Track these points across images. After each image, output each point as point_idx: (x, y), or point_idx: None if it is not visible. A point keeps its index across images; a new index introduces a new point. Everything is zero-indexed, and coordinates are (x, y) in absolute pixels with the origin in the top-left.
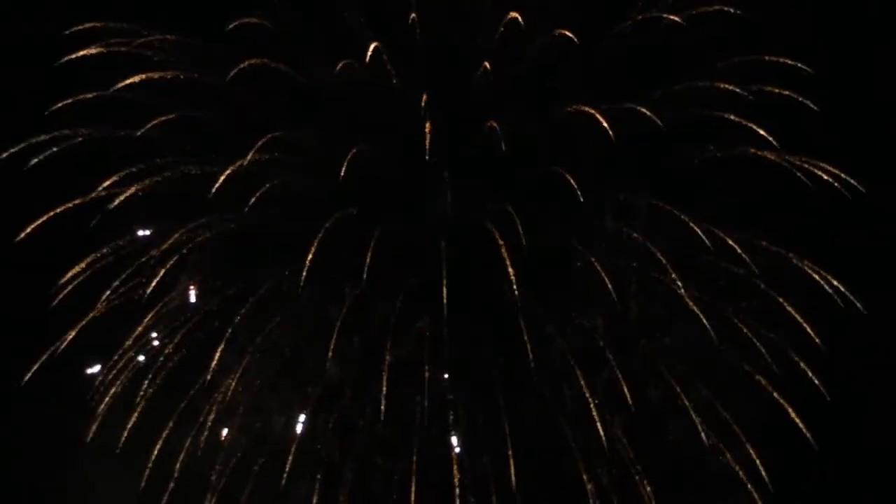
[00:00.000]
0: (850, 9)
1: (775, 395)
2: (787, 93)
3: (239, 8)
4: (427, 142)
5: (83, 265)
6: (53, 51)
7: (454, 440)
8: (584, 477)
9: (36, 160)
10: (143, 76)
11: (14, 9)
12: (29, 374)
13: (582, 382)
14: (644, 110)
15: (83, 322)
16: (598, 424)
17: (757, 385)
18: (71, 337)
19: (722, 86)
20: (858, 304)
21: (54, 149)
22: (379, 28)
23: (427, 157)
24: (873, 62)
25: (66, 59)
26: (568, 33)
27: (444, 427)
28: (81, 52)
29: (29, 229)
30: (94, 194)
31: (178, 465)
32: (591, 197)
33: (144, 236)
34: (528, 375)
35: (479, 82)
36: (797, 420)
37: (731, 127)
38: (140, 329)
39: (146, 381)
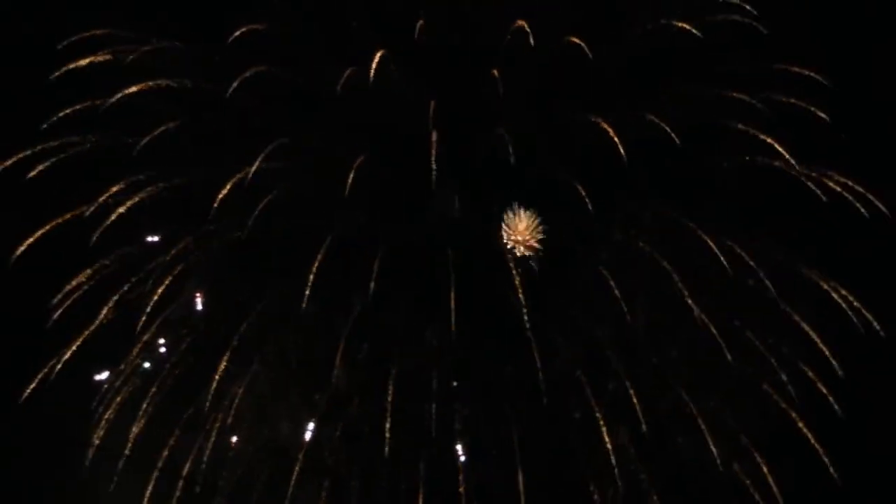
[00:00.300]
0: (854, 13)
1: (783, 405)
2: (792, 101)
3: (244, 12)
4: (433, 150)
5: (90, 272)
6: (59, 59)
7: (460, 448)
8: (591, 486)
9: (42, 167)
10: (150, 83)
11: (18, 12)
12: (37, 379)
13: (589, 392)
14: (653, 118)
15: (90, 329)
16: (605, 434)
17: (765, 395)
18: (78, 343)
19: (730, 94)
20: (870, 316)
21: (62, 155)
22: (384, 31)
23: (434, 166)
24: (876, 66)
25: (73, 65)
26: (577, 40)
27: (450, 435)
28: (88, 59)
29: (37, 235)
30: (101, 199)
31: (184, 472)
32: (599, 206)
33: (152, 243)
34: (535, 384)
35: (486, 89)
36: (806, 431)
37: (738, 133)
38: (147, 336)
39: (153, 388)
